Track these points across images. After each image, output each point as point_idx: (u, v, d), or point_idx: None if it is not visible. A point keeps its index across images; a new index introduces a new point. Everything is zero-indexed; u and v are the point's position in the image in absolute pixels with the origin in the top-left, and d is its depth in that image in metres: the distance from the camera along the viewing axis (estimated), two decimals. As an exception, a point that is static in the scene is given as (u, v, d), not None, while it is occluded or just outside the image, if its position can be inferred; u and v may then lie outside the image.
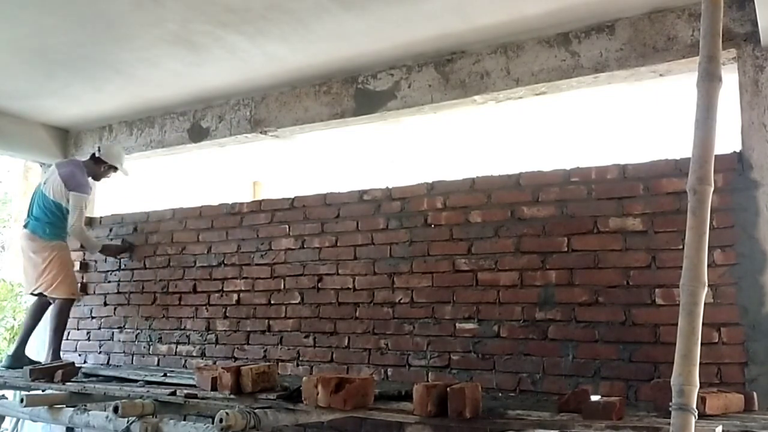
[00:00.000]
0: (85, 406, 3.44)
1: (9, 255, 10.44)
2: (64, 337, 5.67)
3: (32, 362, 4.74)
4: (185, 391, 3.36)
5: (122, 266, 5.46)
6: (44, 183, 5.04)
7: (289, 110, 4.87)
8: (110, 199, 6.40)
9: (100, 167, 5.07)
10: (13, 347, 5.09)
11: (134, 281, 5.36)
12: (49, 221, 4.93)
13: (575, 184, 3.68)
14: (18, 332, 9.84)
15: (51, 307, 5.00)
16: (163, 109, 5.42)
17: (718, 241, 3.16)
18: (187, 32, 3.97)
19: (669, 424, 1.89)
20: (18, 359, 4.84)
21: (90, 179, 5.08)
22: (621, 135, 5.70)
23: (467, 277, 3.89)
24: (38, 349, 5.85)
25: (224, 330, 4.80)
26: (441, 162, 6.46)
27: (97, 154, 5.05)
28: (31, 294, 5.06)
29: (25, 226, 5.01)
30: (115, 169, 5.11)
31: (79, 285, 5.15)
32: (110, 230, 5.60)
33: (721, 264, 3.23)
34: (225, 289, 4.85)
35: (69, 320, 5.66)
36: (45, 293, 4.91)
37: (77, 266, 5.71)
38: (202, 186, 7.12)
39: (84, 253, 5.71)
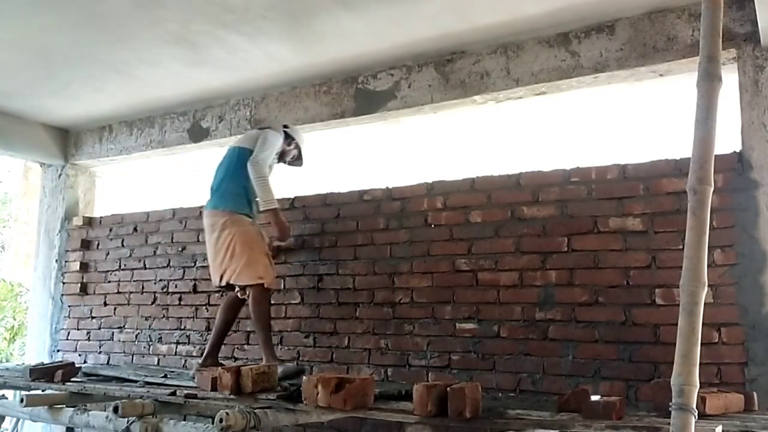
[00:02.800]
0: (85, 406, 3.44)
1: (9, 255, 10.45)
2: (65, 337, 5.70)
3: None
4: (185, 391, 3.36)
5: (122, 266, 5.46)
6: (242, 140, 4.28)
7: (289, 110, 4.87)
8: (110, 199, 6.43)
9: (287, 141, 4.30)
10: (204, 355, 4.15)
11: (134, 281, 5.36)
12: (230, 188, 4.05)
13: (575, 184, 3.68)
14: (18, 332, 9.86)
15: (249, 303, 3.97)
16: (163, 109, 5.42)
17: (718, 241, 3.16)
18: (187, 32, 3.97)
19: (669, 424, 1.89)
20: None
21: (278, 157, 4.29)
22: (621, 135, 5.70)
23: (467, 277, 3.89)
24: (38, 349, 5.87)
25: (224, 330, 4.80)
26: (441, 162, 6.46)
27: (287, 130, 4.34)
28: (218, 288, 4.15)
29: (205, 208, 4.21)
30: (298, 151, 4.38)
31: (272, 270, 4.03)
32: (110, 230, 5.60)
33: (721, 264, 3.23)
34: (225, 289, 4.84)
35: (71, 320, 5.70)
36: (231, 281, 3.96)
37: (77, 266, 5.72)
38: (202, 186, 7.12)
39: (83, 254, 5.72)
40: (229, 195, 4.05)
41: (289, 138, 4.31)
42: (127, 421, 3.02)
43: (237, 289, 3.99)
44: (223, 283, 4.00)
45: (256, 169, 3.94)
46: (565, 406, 2.68)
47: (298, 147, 4.37)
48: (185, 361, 4.94)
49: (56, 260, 5.90)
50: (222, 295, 4.43)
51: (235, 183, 4.05)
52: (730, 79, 3.19)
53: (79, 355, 5.53)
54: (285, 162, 4.43)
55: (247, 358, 4.62)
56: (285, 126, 4.37)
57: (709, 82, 2.10)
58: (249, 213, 4.08)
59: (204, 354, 4.15)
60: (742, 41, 3.40)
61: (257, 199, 4.08)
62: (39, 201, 6.30)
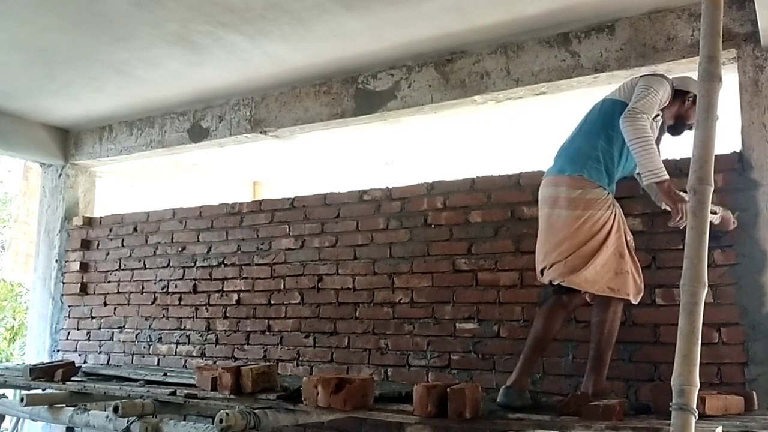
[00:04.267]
0: (85, 405, 3.45)
1: (9, 255, 10.45)
2: (65, 337, 5.70)
3: (531, 403, 2.94)
4: (185, 391, 3.36)
5: (122, 266, 5.46)
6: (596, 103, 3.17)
7: (289, 110, 4.87)
8: (110, 199, 6.43)
9: (681, 98, 3.09)
10: (513, 376, 2.97)
11: (134, 281, 5.36)
12: (582, 148, 2.98)
13: (575, 184, 3.67)
14: (18, 332, 9.83)
15: (594, 313, 2.99)
16: (163, 109, 5.42)
17: (718, 241, 3.15)
18: (187, 32, 3.97)
19: (669, 424, 1.90)
20: (519, 394, 2.89)
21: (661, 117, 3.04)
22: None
23: (467, 277, 3.89)
24: (38, 349, 5.87)
25: (224, 330, 4.80)
26: (441, 162, 6.46)
27: (676, 85, 3.07)
28: (542, 281, 3.05)
29: (549, 172, 3.13)
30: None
31: (639, 280, 2.98)
32: (110, 230, 5.60)
33: (721, 264, 3.22)
34: (225, 289, 4.85)
35: (71, 320, 5.70)
36: (560, 281, 2.90)
37: (77, 266, 5.72)
38: (202, 186, 7.13)
39: (83, 254, 5.72)
40: (579, 157, 2.94)
41: (683, 95, 3.05)
42: (127, 421, 3.03)
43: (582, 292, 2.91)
44: (545, 280, 2.97)
45: (634, 124, 2.77)
46: (565, 410, 2.68)
47: (694, 96, 2.91)
48: (185, 361, 4.94)
49: (56, 260, 5.90)
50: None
51: (590, 142, 2.95)
52: (730, 79, 3.19)
53: (79, 355, 5.53)
54: (679, 132, 3.15)
55: (247, 358, 4.62)
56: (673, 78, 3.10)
57: (709, 82, 2.11)
58: (605, 185, 2.92)
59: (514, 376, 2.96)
60: (742, 41, 3.40)
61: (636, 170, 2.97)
62: (39, 201, 6.30)
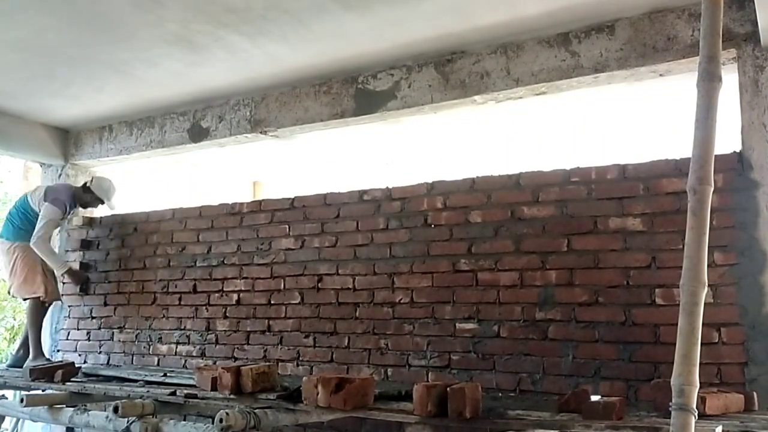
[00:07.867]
0: (85, 406, 3.44)
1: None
2: (65, 337, 5.71)
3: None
4: (185, 391, 3.36)
5: (122, 266, 5.46)
6: (33, 191, 5.37)
7: (289, 110, 4.87)
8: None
9: (87, 196, 5.29)
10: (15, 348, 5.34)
11: (134, 281, 5.36)
12: (18, 224, 5.17)
13: (575, 184, 3.68)
14: (18, 332, 9.87)
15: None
16: (163, 109, 5.42)
17: (718, 241, 3.15)
18: (187, 32, 3.97)
19: (669, 424, 1.89)
20: (19, 361, 5.10)
21: (79, 205, 5.37)
22: (621, 135, 5.70)
23: (467, 277, 3.89)
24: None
25: (224, 330, 4.80)
26: (441, 162, 6.46)
27: (88, 184, 5.28)
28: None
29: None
30: (102, 201, 5.32)
31: (48, 288, 5.16)
32: (110, 230, 5.60)
33: (721, 264, 3.23)
34: (225, 289, 4.85)
35: (71, 320, 5.69)
36: (15, 295, 5.27)
37: (77, 266, 5.72)
38: (202, 186, 7.13)
39: (84, 253, 5.73)
40: (8, 227, 5.22)
41: (92, 192, 5.25)
42: (127, 421, 3.02)
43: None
44: (12, 294, 5.38)
45: (39, 248, 5.04)
46: (565, 407, 2.68)
47: (98, 199, 5.29)
48: (185, 361, 4.94)
49: (56, 260, 5.89)
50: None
51: (14, 219, 5.20)
52: (730, 79, 3.19)
53: (79, 355, 5.53)
54: (84, 207, 5.48)
55: (247, 358, 4.62)
56: (90, 181, 5.31)
57: (709, 82, 2.11)
58: (20, 240, 5.15)
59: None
60: (742, 41, 3.40)
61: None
62: (39, 201, 6.29)
